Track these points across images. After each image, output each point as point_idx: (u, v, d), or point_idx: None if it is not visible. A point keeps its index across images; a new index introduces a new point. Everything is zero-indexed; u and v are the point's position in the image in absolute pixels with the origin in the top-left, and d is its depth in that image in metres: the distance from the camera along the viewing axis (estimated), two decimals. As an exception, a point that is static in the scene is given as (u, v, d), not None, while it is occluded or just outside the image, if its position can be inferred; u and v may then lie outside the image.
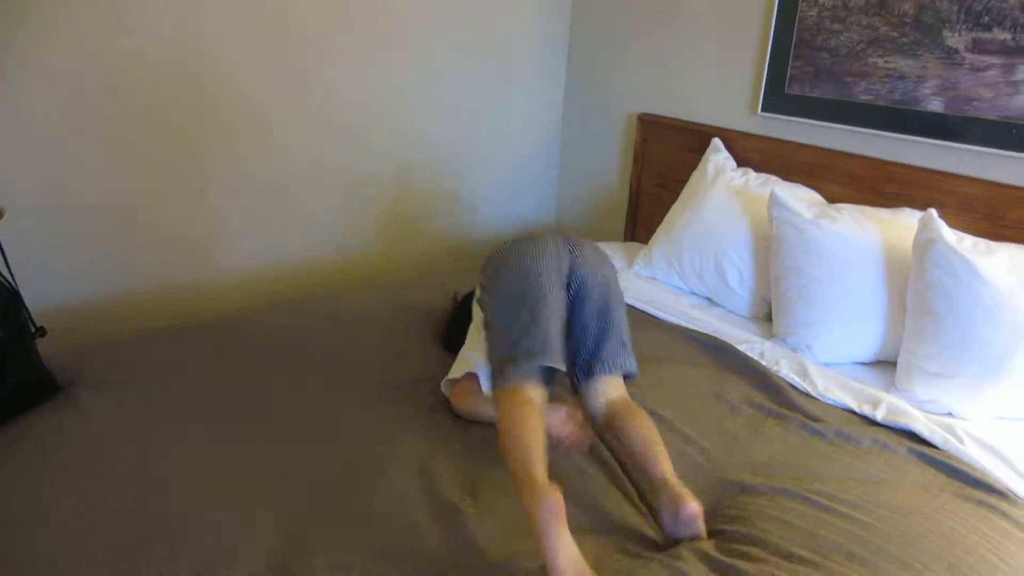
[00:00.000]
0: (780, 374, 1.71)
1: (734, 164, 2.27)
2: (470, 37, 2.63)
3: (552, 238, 1.51)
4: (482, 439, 1.41)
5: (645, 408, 1.44)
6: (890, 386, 1.70)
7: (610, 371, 1.43)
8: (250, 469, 1.30)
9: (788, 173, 2.19)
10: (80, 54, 1.89)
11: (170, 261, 2.18)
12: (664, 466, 1.25)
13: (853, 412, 1.59)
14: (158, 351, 1.67)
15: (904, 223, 1.81)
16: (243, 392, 1.53)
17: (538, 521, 1.05)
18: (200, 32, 2.05)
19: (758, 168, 2.25)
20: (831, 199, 2.10)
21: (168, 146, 2.09)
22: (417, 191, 2.68)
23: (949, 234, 1.60)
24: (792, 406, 1.59)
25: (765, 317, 2.02)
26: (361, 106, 2.44)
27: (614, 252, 2.44)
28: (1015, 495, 1.34)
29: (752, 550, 1.16)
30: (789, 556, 1.14)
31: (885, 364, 1.79)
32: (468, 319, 1.67)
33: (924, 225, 1.63)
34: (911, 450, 1.45)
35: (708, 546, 1.17)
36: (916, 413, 1.55)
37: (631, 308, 2.03)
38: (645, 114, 2.63)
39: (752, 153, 2.29)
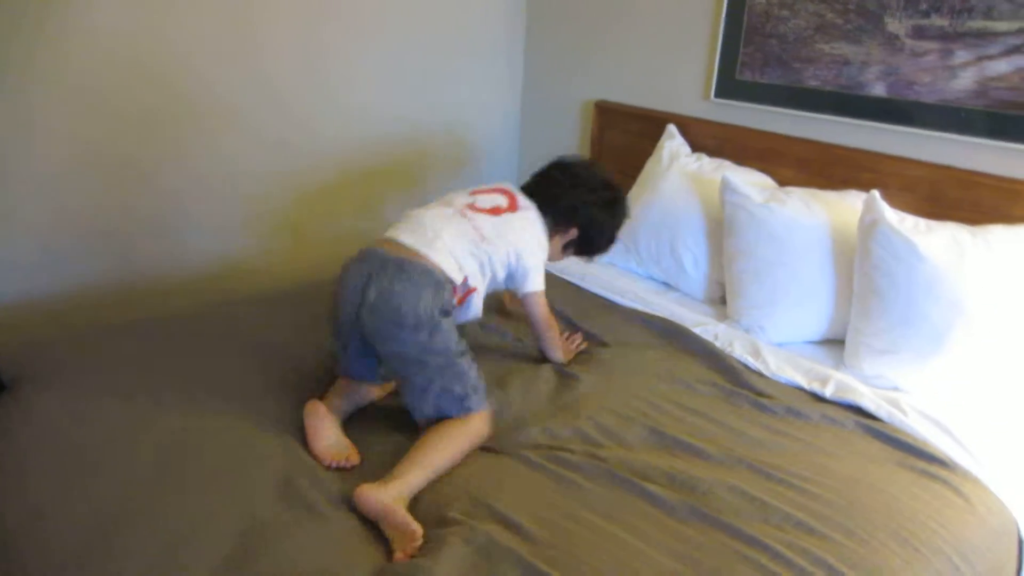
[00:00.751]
0: (734, 355, 1.75)
1: (689, 150, 2.31)
2: (426, 30, 2.62)
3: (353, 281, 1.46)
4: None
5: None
6: (839, 363, 1.76)
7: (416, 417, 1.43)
8: (206, 460, 1.29)
9: (741, 158, 2.23)
10: (34, 54, 1.85)
11: (117, 255, 2.15)
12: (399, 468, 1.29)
13: (803, 389, 1.64)
14: (108, 346, 1.65)
15: (850, 205, 1.86)
16: (196, 386, 1.52)
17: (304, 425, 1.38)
18: (150, 21, 2.02)
19: (712, 153, 2.29)
20: (782, 182, 2.14)
21: (116, 136, 2.06)
22: (376, 183, 2.68)
23: (891, 215, 1.65)
24: (744, 385, 1.63)
25: (720, 300, 2.06)
26: (318, 98, 2.42)
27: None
28: (955, 463, 1.40)
29: (705, 519, 1.20)
30: (740, 528, 1.19)
31: (835, 342, 1.85)
32: None
33: (867, 207, 1.68)
34: (858, 424, 1.51)
35: (659, 513, 1.21)
36: (863, 389, 1.60)
37: (591, 295, 2.08)
38: (602, 101, 2.65)
39: (706, 139, 2.33)
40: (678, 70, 2.43)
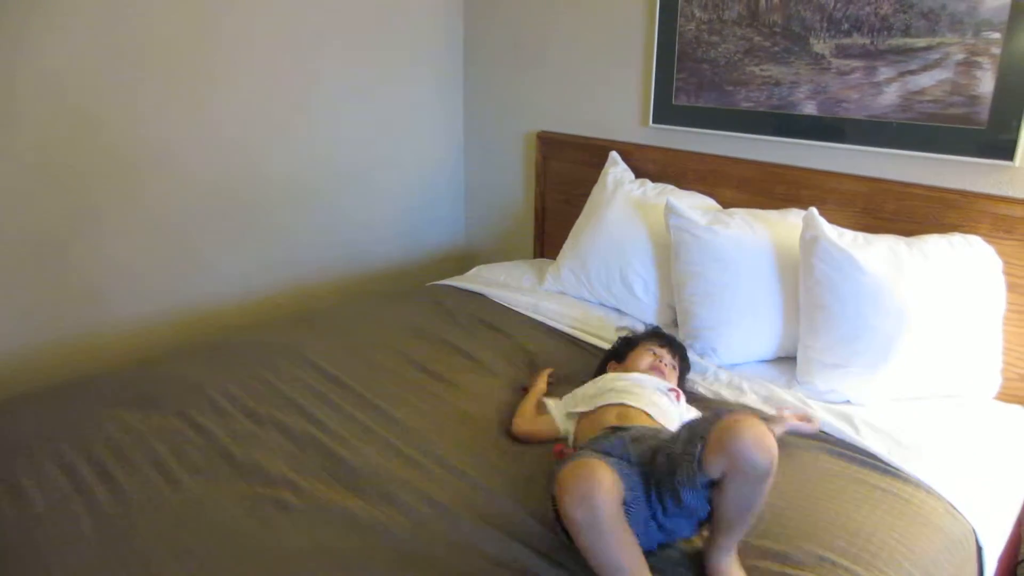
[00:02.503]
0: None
1: (632, 176, 2.33)
2: (365, 72, 2.63)
3: None
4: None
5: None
6: (792, 381, 1.77)
7: None
8: (155, 539, 1.24)
9: (683, 181, 2.26)
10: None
11: (61, 313, 2.08)
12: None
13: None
14: (51, 408, 1.59)
15: (792, 223, 1.89)
16: (144, 451, 1.46)
17: None
18: (83, 68, 1.98)
19: (655, 178, 2.31)
20: (726, 204, 2.17)
21: (59, 191, 2.00)
22: (321, 223, 2.64)
23: (830, 230, 1.68)
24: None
25: (672, 323, 2.06)
26: (261, 143, 2.40)
27: (524, 270, 2.46)
28: (909, 475, 1.41)
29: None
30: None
31: (787, 360, 1.86)
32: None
33: (807, 224, 1.71)
34: (812, 441, 1.51)
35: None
36: (815, 405, 1.61)
37: (542, 326, 2.07)
38: (544, 132, 2.67)
39: (648, 164, 2.35)
40: (617, 98, 2.46)
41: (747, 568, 1.16)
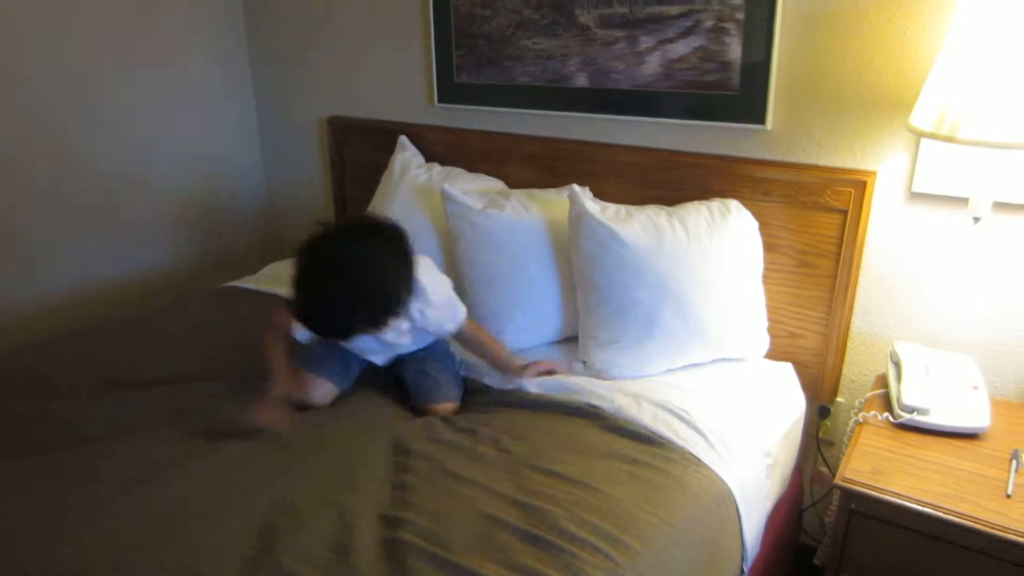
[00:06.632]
0: (471, 362, 1.72)
1: (421, 160, 2.24)
2: (149, 72, 2.43)
3: None
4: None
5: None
6: (575, 361, 1.75)
7: None
8: None
9: (471, 162, 2.19)
10: None
11: None
12: None
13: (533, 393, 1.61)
14: None
15: (567, 200, 1.87)
16: None
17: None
18: None
19: (444, 161, 2.24)
20: (513, 183, 2.13)
21: None
22: (97, 229, 2.39)
23: (592, 206, 1.66)
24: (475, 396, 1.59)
25: (463, 311, 2.01)
26: (16, 141, 2.13)
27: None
28: (671, 444, 1.42)
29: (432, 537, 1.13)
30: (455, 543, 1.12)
31: (573, 340, 1.84)
32: None
33: (572, 201, 1.69)
34: (585, 420, 1.50)
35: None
36: (590, 384, 1.60)
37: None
38: (335, 117, 2.53)
39: (436, 146, 2.27)
40: (403, 77, 2.36)
41: (500, 550, 1.12)
